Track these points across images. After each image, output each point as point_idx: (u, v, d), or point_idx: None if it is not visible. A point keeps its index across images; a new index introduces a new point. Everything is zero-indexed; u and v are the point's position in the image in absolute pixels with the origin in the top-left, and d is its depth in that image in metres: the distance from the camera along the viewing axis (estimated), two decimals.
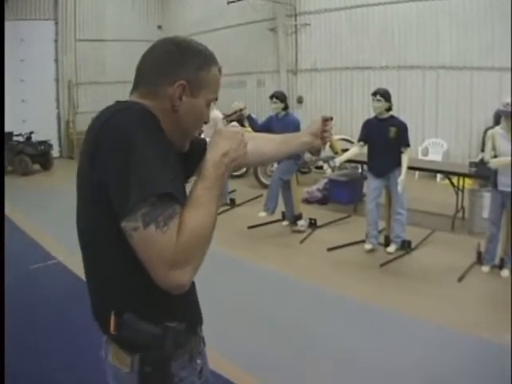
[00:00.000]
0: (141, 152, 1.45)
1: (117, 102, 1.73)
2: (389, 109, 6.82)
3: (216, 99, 1.79)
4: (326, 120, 2.07)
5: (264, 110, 11.82)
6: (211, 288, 5.84)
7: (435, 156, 12.44)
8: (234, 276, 6.27)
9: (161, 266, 1.41)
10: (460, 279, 6.15)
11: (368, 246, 7.18)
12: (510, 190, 5.89)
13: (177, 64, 1.65)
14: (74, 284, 5.66)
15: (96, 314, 1.74)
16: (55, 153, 15.58)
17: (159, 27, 18.89)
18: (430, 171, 10.41)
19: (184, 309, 1.73)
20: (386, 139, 6.69)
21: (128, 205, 1.41)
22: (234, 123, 9.01)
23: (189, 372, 1.72)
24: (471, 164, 8.19)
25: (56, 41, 16.48)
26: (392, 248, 7.16)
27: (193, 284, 1.76)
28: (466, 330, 4.86)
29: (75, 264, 6.42)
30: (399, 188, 6.67)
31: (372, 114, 7.04)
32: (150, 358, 1.62)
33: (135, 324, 1.58)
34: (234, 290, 5.76)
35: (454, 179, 8.79)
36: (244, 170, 12.55)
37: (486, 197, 7.57)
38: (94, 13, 16.94)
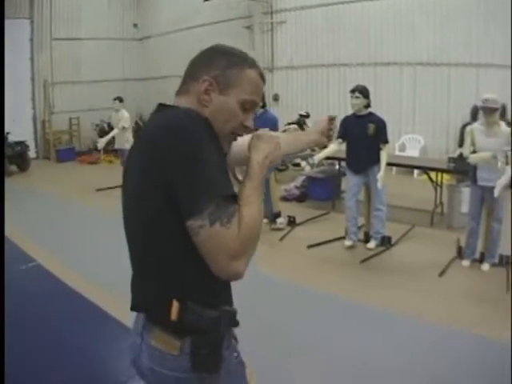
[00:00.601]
0: (206, 156, 1.60)
1: (160, 104, 1.86)
2: (367, 105, 6.81)
3: (255, 102, 1.85)
4: (331, 119, 2.20)
5: None
6: None
7: (412, 152, 12.48)
8: None
9: (224, 259, 1.58)
10: (441, 274, 6.17)
11: (348, 243, 7.18)
12: (489, 184, 5.91)
13: (205, 62, 1.80)
14: (55, 286, 5.60)
15: (147, 302, 1.82)
16: (32, 153, 15.37)
17: (135, 25, 18.77)
18: (410, 167, 10.42)
19: (230, 293, 1.92)
20: (364, 136, 6.67)
21: (196, 205, 1.56)
22: None
23: (229, 351, 1.86)
24: (450, 159, 8.23)
25: (31, 40, 16.23)
26: (372, 244, 7.16)
27: None
28: (449, 323, 4.87)
29: (55, 266, 6.38)
30: (379, 184, 6.66)
31: (349, 111, 7.03)
32: (205, 340, 1.74)
33: (197, 310, 1.71)
34: None
35: (433, 174, 8.82)
36: None
37: (465, 192, 7.60)
38: (69, 11, 16.73)
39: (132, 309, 1.89)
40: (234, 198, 1.63)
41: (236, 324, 1.87)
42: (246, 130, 1.87)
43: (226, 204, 1.58)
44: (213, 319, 1.74)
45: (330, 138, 2.23)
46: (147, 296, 1.82)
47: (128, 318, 4.33)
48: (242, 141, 1.95)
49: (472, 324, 4.85)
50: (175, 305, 1.70)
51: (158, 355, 1.79)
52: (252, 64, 1.85)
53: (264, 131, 1.93)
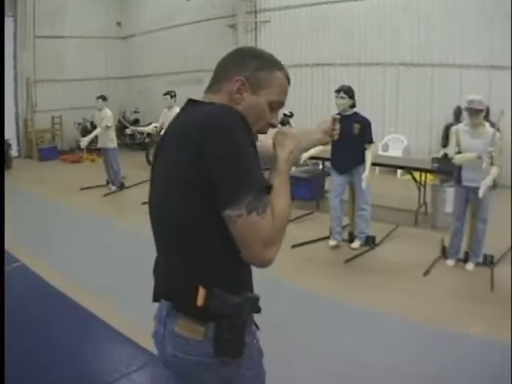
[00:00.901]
0: (245, 151, 1.71)
1: (190, 99, 1.99)
2: (352, 106, 6.83)
3: (281, 103, 2.00)
4: (335, 120, 2.33)
5: None
6: None
7: (395, 152, 12.54)
8: None
9: (258, 246, 1.70)
10: (425, 273, 6.21)
11: (332, 243, 7.20)
12: (473, 185, 5.97)
13: (237, 63, 1.92)
14: (40, 286, 5.56)
15: (174, 289, 1.91)
16: (14, 152, 15.27)
17: (118, 24, 18.64)
18: (394, 167, 10.46)
19: (252, 280, 2.01)
20: (349, 136, 6.66)
21: (235, 196, 1.67)
22: None
23: (251, 337, 1.95)
24: (434, 160, 8.26)
25: (15, 37, 16.08)
26: (356, 244, 7.19)
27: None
28: (435, 323, 4.90)
29: (39, 266, 6.32)
30: (363, 184, 6.68)
31: (332, 111, 7.03)
32: (228, 325, 1.82)
33: (222, 296, 1.79)
34: None
35: (416, 174, 8.86)
36: None
37: (449, 192, 7.65)
38: (53, 9, 16.58)
39: (155, 299, 2.03)
40: (267, 190, 1.75)
41: (258, 310, 1.95)
42: (271, 127, 2.01)
43: (262, 195, 1.71)
44: (236, 305, 1.83)
45: (332, 138, 2.35)
46: (174, 284, 1.90)
47: (114, 319, 4.29)
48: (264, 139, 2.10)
49: (457, 323, 4.88)
50: (201, 291, 1.79)
51: (182, 342, 1.87)
52: (280, 66, 1.97)
53: (286, 128, 2.08)
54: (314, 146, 2.39)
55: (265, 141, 2.11)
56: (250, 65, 1.91)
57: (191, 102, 1.98)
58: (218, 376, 1.89)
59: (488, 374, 4.07)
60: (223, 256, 1.82)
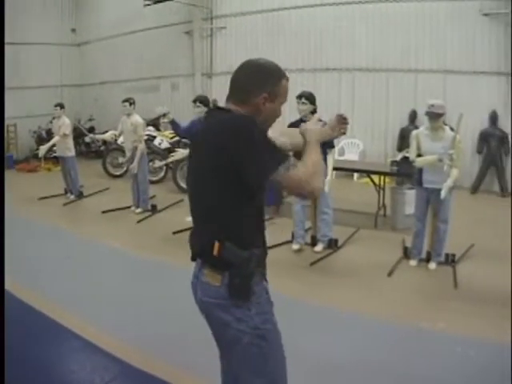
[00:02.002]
0: (263, 139, 2.35)
1: (217, 107, 2.71)
2: (313, 111, 6.89)
3: (285, 102, 2.59)
4: (341, 116, 2.83)
5: (179, 114, 11.72)
6: (139, 294, 5.79)
7: (351, 156, 12.75)
8: (163, 283, 6.15)
9: (305, 184, 2.32)
10: (390, 274, 6.34)
11: (295, 246, 7.26)
12: (434, 186, 6.14)
13: (260, 82, 2.47)
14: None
15: (201, 246, 2.51)
16: None
17: (73, 30, 18.39)
18: (353, 171, 10.61)
19: (262, 240, 2.58)
20: None
21: (271, 168, 2.27)
22: (150, 127, 8.93)
23: (260, 288, 2.51)
24: (393, 163, 8.41)
25: None
26: (319, 247, 7.27)
27: (262, 222, 2.63)
28: (401, 320, 5.03)
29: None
30: (326, 188, 6.77)
31: (289, 115, 7.07)
32: (238, 273, 2.39)
33: (233, 249, 2.38)
34: (166, 295, 5.67)
35: (375, 178, 9.02)
36: (162, 174, 12.48)
37: (408, 194, 7.82)
38: (6, 15, 16.31)
39: (193, 259, 2.63)
40: (289, 158, 2.34)
41: (260, 265, 2.52)
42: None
43: (288, 162, 2.30)
44: (244, 257, 2.39)
45: (343, 131, 2.87)
46: (201, 241, 2.51)
47: (83, 330, 4.26)
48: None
49: (423, 320, 5.01)
50: (217, 244, 2.39)
51: (206, 287, 2.48)
52: (284, 74, 2.54)
53: (310, 123, 2.67)
54: (326, 138, 2.78)
55: (293, 132, 2.84)
56: (269, 81, 2.48)
57: (217, 108, 2.67)
58: (232, 315, 2.42)
59: (454, 367, 4.18)
60: (236, 220, 2.42)
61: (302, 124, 2.68)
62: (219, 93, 15.08)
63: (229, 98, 2.53)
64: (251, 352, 2.47)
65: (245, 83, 2.49)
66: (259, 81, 2.46)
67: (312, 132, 2.57)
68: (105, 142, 14.48)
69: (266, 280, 2.60)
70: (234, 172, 2.31)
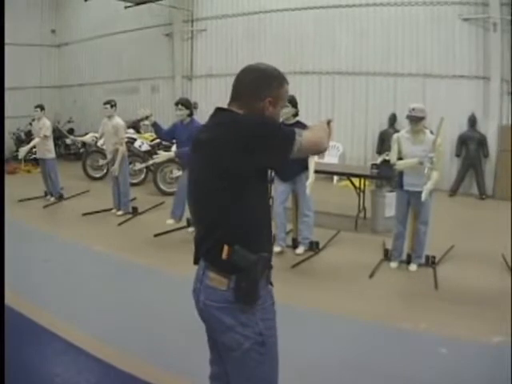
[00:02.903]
0: (273, 123, 2.55)
1: (218, 108, 2.64)
2: (295, 114, 6.95)
3: (284, 106, 2.77)
4: (329, 122, 2.87)
5: (161, 116, 11.73)
6: (120, 296, 5.78)
7: (331, 159, 12.73)
8: (145, 286, 6.12)
9: (320, 142, 2.56)
10: (371, 275, 6.39)
11: (277, 249, 7.25)
12: (415, 189, 6.21)
13: (265, 87, 2.53)
14: None
15: (208, 249, 2.49)
16: None
17: (53, 31, 18.27)
18: (334, 174, 10.66)
19: (269, 245, 2.65)
20: None
21: (288, 143, 2.41)
22: (131, 130, 8.90)
23: (265, 292, 2.51)
24: (373, 166, 8.45)
25: None
26: (301, 249, 7.29)
27: (270, 226, 2.65)
28: (383, 321, 5.07)
29: None
30: (308, 191, 6.80)
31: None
32: (246, 277, 2.37)
33: (242, 252, 2.37)
34: (148, 298, 5.66)
35: (355, 180, 9.08)
36: (142, 176, 12.46)
37: (388, 197, 7.89)
38: None
39: (195, 262, 2.62)
40: (298, 133, 2.46)
41: (270, 267, 2.55)
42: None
43: (299, 134, 2.45)
44: (252, 261, 2.37)
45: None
46: (209, 244, 2.48)
47: (67, 333, 4.22)
48: None
49: (404, 320, 5.06)
50: (226, 247, 2.38)
51: (211, 291, 2.46)
52: (285, 79, 2.61)
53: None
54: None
55: None
56: (273, 85, 2.54)
57: (220, 110, 2.62)
58: (236, 320, 2.42)
59: (436, 367, 4.23)
60: (245, 224, 2.44)
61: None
62: (199, 95, 15.13)
63: (231, 103, 2.59)
64: (250, 357, 2.48)
65: (249, 88, 2.54)
66: (264, 85, 2.52)
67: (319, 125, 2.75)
68: (84, 144, 14.41)
69: (271, 284, 2.62)
70: (245, 172, 2.38)
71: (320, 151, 2.63)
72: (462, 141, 11.35)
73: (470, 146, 11.21)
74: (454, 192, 11.38)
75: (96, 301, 5.64)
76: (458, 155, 11.48)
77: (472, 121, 11.27)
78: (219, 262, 2.41)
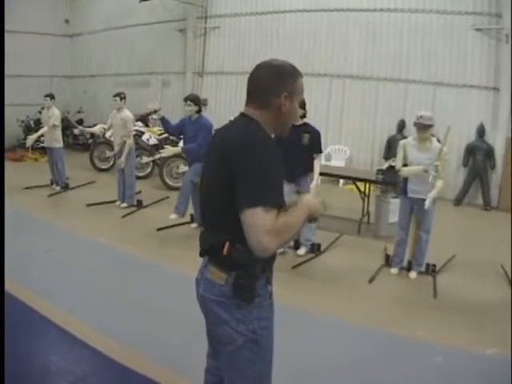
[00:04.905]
0: (266, 163, 2.31)
1: (242, 114, 2.55)
2: (303, 116, 6.94)
3: (300, 100, 2.62)
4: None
5: (170, 111, 11.75)
6: (121, 286, 5.80)
7: (338, 162, 12.81)
8: (145, 279, 6.15)
9: (262, 235, 2.19)
10: (371, 280, 6.39)
11: (279, 250, 7.25)
12: (419, 196, 6.20)
13: (280, 83, 2.47)
14: None
15: (211, 245, 2.52)
16: None
17: (66, 21, 18.33)
18: (340, 177, 10.64)
19: None
20: (299, 145, 6.78)
21: (252, 199, 2.23)
22: (139, 123, 8.90)
23: (264, 292, 2.52)
24: (379, 171, 8.46)
25: None
26: (302, 251, 7.30)
27: None
28: (379, 327, 5.07)
29: None
30: (311, 193, 6.80)
31: None
32: (244, 274, 2.41)
33: (242, 250, 2.35)
34: (148, 292, 5.67)
35: (360, 185, 9.08)
36: (149, 170, 12.49)
37: (392, 202, 7.88)
38: None
39: (200, 255, 2.63)
40: (279, 205, 2.32)
41: (265, 269, 2.50)
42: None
43: (273, 206, 2.25)
44: (252, 259, 2.35)
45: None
46: (212, 239, 2.51)
47: (67, 323, 4.23)
48: None
49: (401, 327, 5.07)
50: (227, 244, 2.40)
51: (210, 285, 2.50)
52: (299, 73, 2.56)
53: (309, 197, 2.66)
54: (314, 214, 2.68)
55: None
56: (288, 80, 2.49)
57: (239, 116, 2.56)
58: (231, 315, 2.44)
59: (431, 375, 4.24)
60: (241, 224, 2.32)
61: (303, 195, 2.64)
62: (210, 92, 15.14)
63: (248, 103, 2.55)
64: (241, 354, 2.50)
65: (265, 85, 2.49)
66: (279, 81, 2.47)
67: (308, 204, 2.51)
68: (93, 135, 14.45)
69: (270, 284, 2.62)
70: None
71: (251, 244, 2.26)
72: (470, 151, 11.33)
73: (478, 157, 11.19)
74: (458, 202, 11.36)
75: (94, 292, 5.67)
76: (464, 165, 11.46)
77: (480, 131, 11.25)
78: (220, 258, 2.43)
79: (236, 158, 2.30)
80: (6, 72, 15.94)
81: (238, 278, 2.41)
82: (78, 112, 17.11)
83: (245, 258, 2.37)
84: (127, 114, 9.31)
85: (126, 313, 5.15)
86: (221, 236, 2.45)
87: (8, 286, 5.49)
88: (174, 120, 8.30)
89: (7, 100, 15.79)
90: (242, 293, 2.42)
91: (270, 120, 2.50)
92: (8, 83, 15.96)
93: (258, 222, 2.20)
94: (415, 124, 6.12)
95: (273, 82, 2.47)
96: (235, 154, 2.31)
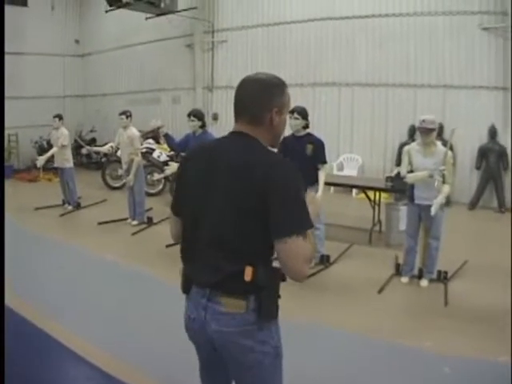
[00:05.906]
0: (295, 186, 2.29)
1: (236, 132, 2.51)
2: (306, 126, 6.90)
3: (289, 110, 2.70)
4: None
5: (180, 128, 11.77)
6: (129, 307, 5.78)
7: (350, 171, 12.71)
8: (154, 297, 6.11)
9: (302, 263, 2.19)
10: (380, 291, 6.28)
11: None
12: (426, 203, 6.10)
13: (270, 98, 2.44)
14: None
15: (219, 274, 2.35)
16: None
17: (76, 41, 18.58)
18: (347, 186, 10.55)
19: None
20: (302, 156, 6.70)
21: (292, 228, 2.20)
22: (150, 140, 8.90)
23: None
24: (387, 179, 8.40)
25: None
26: (311, 263, 7.19)
27: None
28: (390, 338, 4.98)
29: None
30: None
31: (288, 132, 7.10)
32: (268, 294, 2.35)
33: (265, 272, 2.31)
34: (157, 309, 5.63)
35: (371, 193, 8.98)
36: (160, 187, 12.50)
37: (403, 210, 7.78)
38: (10, 26, 16.38)
39: (185, 291, 2.59)
40: (310, 228, 2.28)
41: (285, 279, 2.38)
42: None
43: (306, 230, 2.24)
44: (273, 277, 2.34)
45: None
46: (228, 270, 2.33)
47: (69, 340, 4.20)
48: None
49: (412, 338, 4.97)
50: (249, 269, 2.28)
51: (227, 318, 2.35)
52: (285, 84, 2.52)
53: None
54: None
55: None
56: (276, 94, 2.45)
57: (235, 135, 2.50)
58: (255, 340, 2.36)
59: None
60: (267, 245, 2.29)
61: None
62: (220, 106, 15.16)
63: (238, 120, 2.50)
64: (268, 372, 2.47)
65: (254, 102, 2.45)
66: (269, 96, 2.44)
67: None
68: (105, 154, 14.54)
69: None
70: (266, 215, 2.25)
71: (292, 272, 2.25)
72: (482, 153, 11.21)
73: (490, 159, 11.06)
74: (473, 205, 11.22)
75: (104, 310, 5.65)
76: (478, 168, 11.34)
77: (492, 132, 11.11)
78: (237, 286, 2.32)
79: (265, 184, 2.23)
80: (19, 94, 16.23)
81: (263, 301, 2.34)
82: (91, 131, 17.25)
83: (270, 280, 2.33)
84: (133, 131, 9.34)
85: (130, 330, 5.12)
86: (240, 263, 2.31)
87: (17, 304, 5.54)
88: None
89: (21, 122, 16.04)
90: (269, 313, 2.37)
91: (265, 134, 2.46)
92: (21, 104, 16.22)
93: (300, 251, 2.18)
94: (418, 128, 6.06)
95: (264, 98, 2.43)
96: (262, 179, 2.24)
